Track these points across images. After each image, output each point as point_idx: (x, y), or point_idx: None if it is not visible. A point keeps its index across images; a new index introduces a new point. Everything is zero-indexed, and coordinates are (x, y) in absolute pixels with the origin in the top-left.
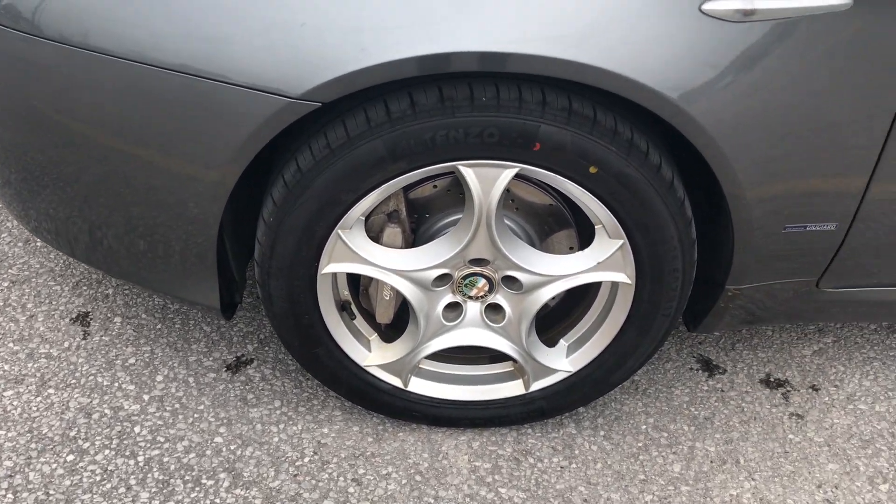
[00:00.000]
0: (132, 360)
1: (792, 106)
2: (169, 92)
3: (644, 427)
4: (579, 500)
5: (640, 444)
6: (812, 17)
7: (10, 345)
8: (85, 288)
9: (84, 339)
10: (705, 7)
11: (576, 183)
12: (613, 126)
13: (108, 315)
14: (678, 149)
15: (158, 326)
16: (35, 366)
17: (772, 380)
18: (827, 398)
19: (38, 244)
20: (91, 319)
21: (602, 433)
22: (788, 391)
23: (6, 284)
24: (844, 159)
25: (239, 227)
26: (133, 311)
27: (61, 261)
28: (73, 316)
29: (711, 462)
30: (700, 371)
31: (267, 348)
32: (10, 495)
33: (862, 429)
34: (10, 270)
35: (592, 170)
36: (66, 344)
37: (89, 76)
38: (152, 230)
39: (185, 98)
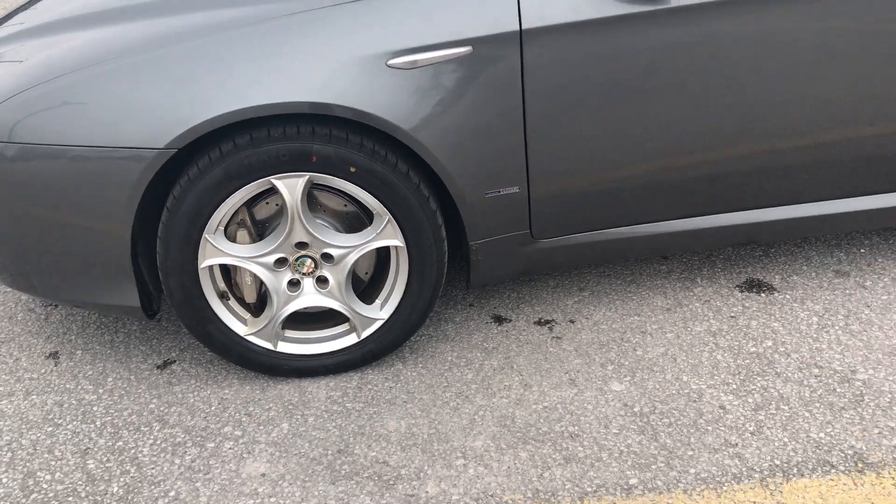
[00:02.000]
0: (90, 371)
1: (463, 116)
2: (80, 160)
3: (449, 357)
4: (401, 403)
5: (445, 367)
6: (447, 61)
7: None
8: (52, 327)
9: (56, 366)
10: (390, 63)
11: (346, 180)
12: (360, 141)
13: (71, 350)
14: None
15: (108, 350)
16: (21, 385)
17: (542, 320)
18: (579, 325)
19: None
20: (60, 355)
21: (420, 364)
22: (553, 325)
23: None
24: (503, 151)
25: (148, 247)
26: (86, 343)
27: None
28: (46, 354)
29: (493, 370)
30: (492, 322)
31: (185, 353)
32: (8, 454)
33: (601, 338)
34: None
35: (352, 169)
36: (43, 369)
37: (17, 163)
38: (98, 260)
39: (97, 159)
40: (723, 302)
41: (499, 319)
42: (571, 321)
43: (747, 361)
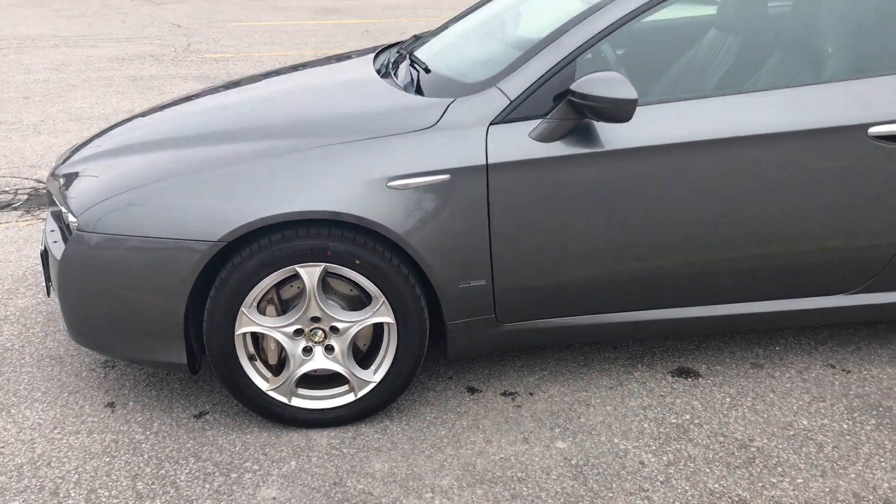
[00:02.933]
0: (139, 418)
1: (443, 225)
2: (152, 248)
3: (428, 417)
4: (386, 450)
5: (424, 424)
6: (432, 184)
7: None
8: (111, 381)
9: (112, 413)
10: (389, 185)
11: (352, 269)
12: (364, 241)
13: (125, 401)
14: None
15: (154, 402)
16: (85, 426)
17: (507, 392)
18: (537, 397)
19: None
20: (115, 405)
21: (404, 422)
22: (516, 396)
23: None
24: (473, 252)
25: (196, 317)
26: (137, 396)
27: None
28: (105, 403)
29: (463, 428)
30: (466, 392)
31: (217, 406)
32: (75, 476)
33: (553, 408)
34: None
35: (357, 261)
36: (102, 415)
37: (100, 250)
38: (158, 327)
39: (165, 249)
40: (656, 384)
41: (472, 390)
42: (531, 393)
43: (667, 430)
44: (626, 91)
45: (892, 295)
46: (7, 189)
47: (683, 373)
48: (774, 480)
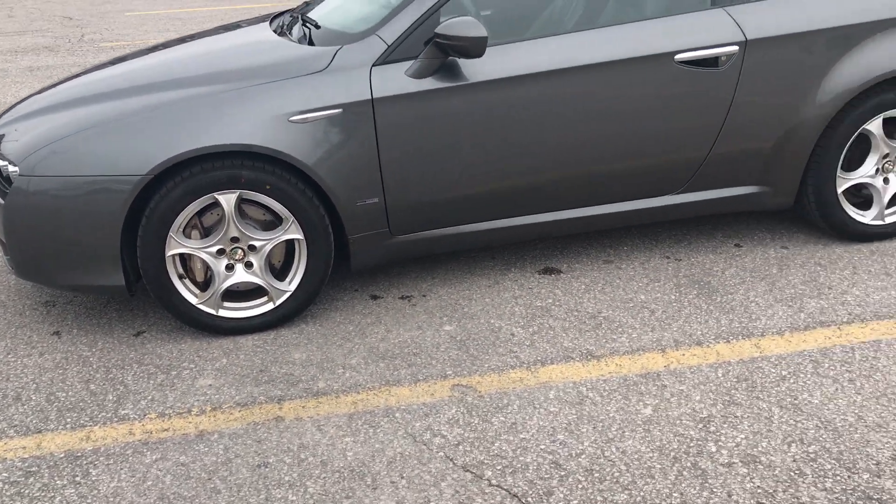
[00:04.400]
0: (84, 340)
1: (340, 152)
2: (89, 184)
3: (338, 319)
4: (303, 344)
5: (335, 324)
6: (327, 118)
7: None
8: (50, 309)
9: (59, 339)
10: (290, 119)
11: (265, 194)
12: (273, 170)
13: (69, 329)
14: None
15: (95, 327)
16: (35, 350)
17: (404, 296)
18: (429, 297)
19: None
20: (61, 333)
21: (318, 324)
22: (412, 298)
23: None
24: (366, 175)
25: (130, 244)
26: (80, 324)
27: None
28: (51, 332)
29: (367, 324)
30: (370, 299)
31: (153, 326)
32: (33, 385)
33: (441, 304)
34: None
35: (268, 187)
36: (50, 341)
37: (38, 195)
38: (96, 253)
39: (100, 183)
40: (525, 280)
41: (374, 297)
42: (424, 295)
43: (533, 311)
44: (478, 31)
45: (706, 193)
46: None
47: (548, 271)
48: (615, 337)
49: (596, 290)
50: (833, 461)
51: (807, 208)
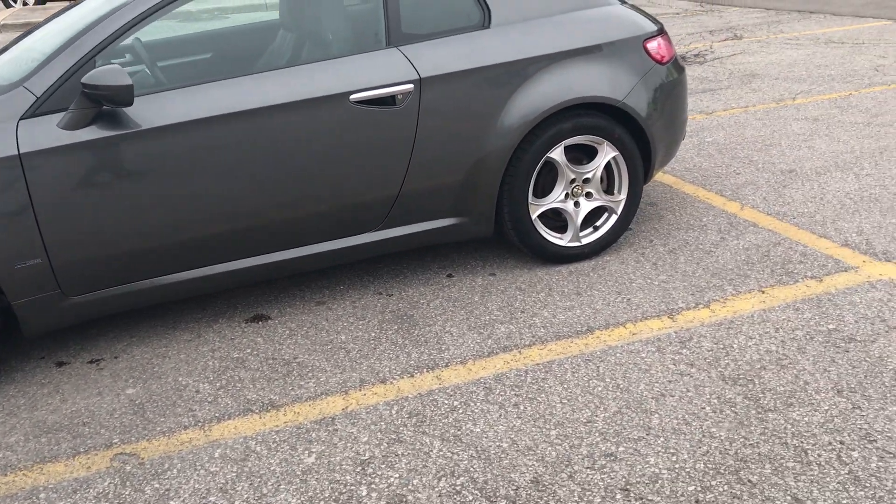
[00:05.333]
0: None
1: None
2: None
3: (11, 393)
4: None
5: (6, 399)
6: None
7: None
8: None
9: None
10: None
11: None
12: None
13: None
14: None
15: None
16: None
17: (93, 360)
18: (121, 360)
19: None
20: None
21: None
22: (101, 362)
23: None
24: (21, 234)
25: None
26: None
27: None
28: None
29: (42, 395)
30: (54, 366)
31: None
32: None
33: (132, 365)
34: None
35: None
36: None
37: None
38: None
39: None
40: (230, 331)
41: (60, 364)
42: (116, 357)
43: (227, 363)
44: (122, 79)
45: (406, 227)
46: None
47: (257, 318)
48: (302, 383)
49: (300, 334)
50: (477, 491)
51: (507, 235)
